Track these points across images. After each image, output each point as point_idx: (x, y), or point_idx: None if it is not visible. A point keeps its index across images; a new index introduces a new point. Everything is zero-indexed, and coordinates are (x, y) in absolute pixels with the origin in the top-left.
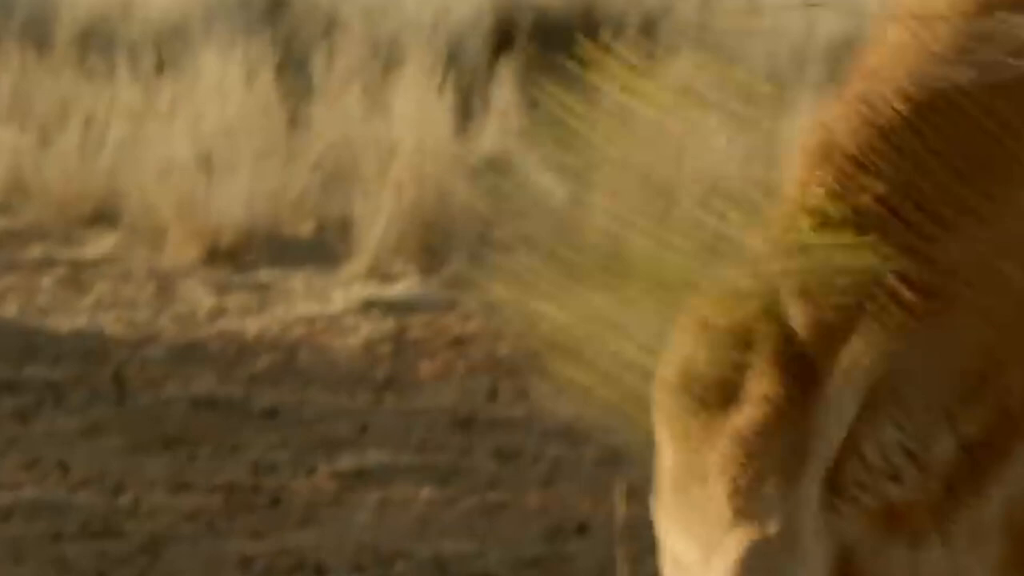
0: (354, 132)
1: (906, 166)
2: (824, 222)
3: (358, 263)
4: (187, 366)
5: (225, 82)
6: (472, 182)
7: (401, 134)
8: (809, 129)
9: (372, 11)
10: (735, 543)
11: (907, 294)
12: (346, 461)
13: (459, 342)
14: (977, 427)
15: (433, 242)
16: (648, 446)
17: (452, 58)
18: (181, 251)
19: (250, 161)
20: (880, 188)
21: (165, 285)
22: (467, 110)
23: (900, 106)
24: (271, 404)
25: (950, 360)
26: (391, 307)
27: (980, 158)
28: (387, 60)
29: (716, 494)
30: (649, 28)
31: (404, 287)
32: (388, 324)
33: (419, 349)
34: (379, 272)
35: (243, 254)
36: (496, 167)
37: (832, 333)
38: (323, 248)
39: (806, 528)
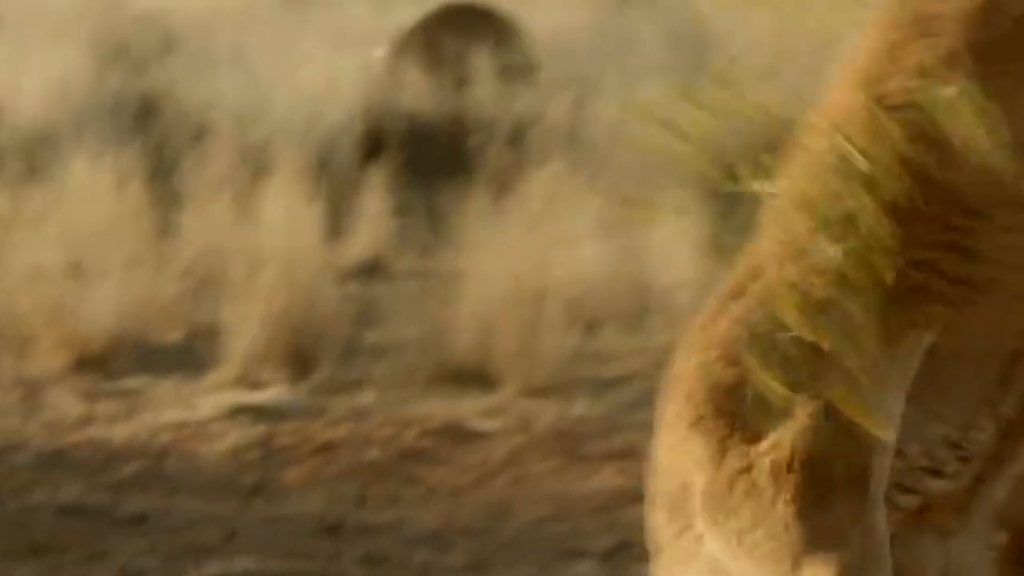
0: (224, 239)
1: (931, 161)
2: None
3: (227, 370)
4: (55, 473)
5: (95, 189)
6: (341, 288)
7: (271, 241)
8: (819, 134)
9: (242, 118)
10: (822, 569)
11: (945, 286)
12: (214, 567)
13: (327, 448)
14: (1013, 408)
15: (302, 348)
16: None
17: (322, 164)
18: (50, 358)
19: (120, 268)
20: (909, 184)
21: (33, 392)
22: (337, 216)
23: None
24: (139, 510)
25: (989, 345)
26: (259, 413)
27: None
28: (257, 167)
29: (778, 516)
30: (519, 134)
31: (272, 393)
32: (256, 430)
33: (287, 455)
34: (248, 379)
35: (112, 361)
36: (366, 273)
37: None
38: (192, 355)
39: (883, 547)
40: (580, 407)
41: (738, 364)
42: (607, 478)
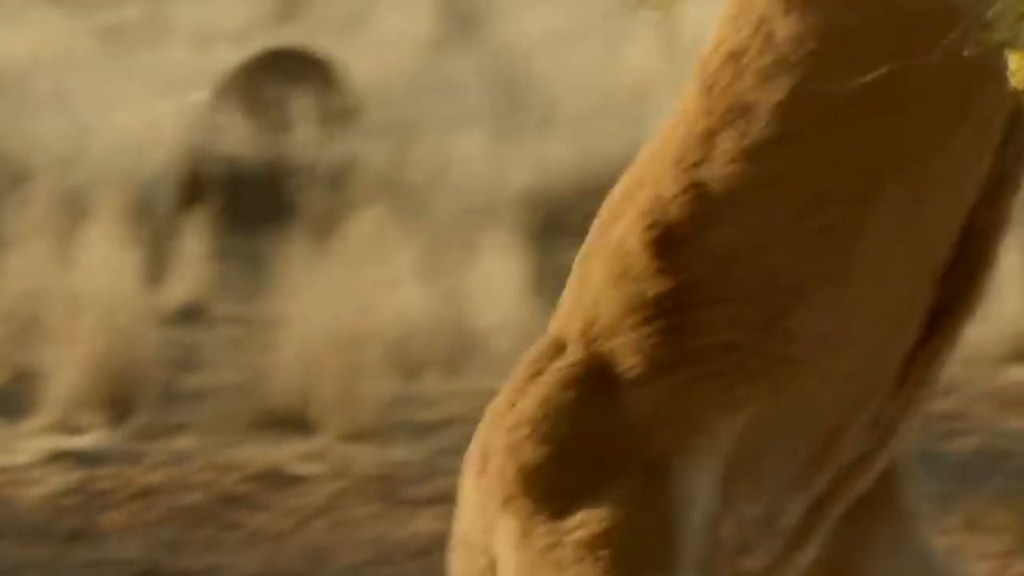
0: (43, 283)
1: (748, 240)
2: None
3: (46, 415)
4: None
5: None
6: (161, 333)
7: (90, 285)
8: (638, 214)
9: (62, 161)
10: None
11: (761, 367)
12: None
13: (146, 493)
14: (827, 484)
15: (121, 393)
16: None
17: (142, 208)
18: None
19: None
20: (726, 263)
21: None
22: (157, 260)
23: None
24: None
25: (804, 425)
26: (79, 458)
27: (823, 225)
28: (77, 210)
29: None
30: (340, 178)
31: (92, 438)
32: (75, 475)
33: (106, 500)
34: (67, 423)
35: None
36: (186, 318)
37: (678, 422)
38: (9, 399)
39: None
40: (400, 451)
41: (547, 443)
42: (426, 523)
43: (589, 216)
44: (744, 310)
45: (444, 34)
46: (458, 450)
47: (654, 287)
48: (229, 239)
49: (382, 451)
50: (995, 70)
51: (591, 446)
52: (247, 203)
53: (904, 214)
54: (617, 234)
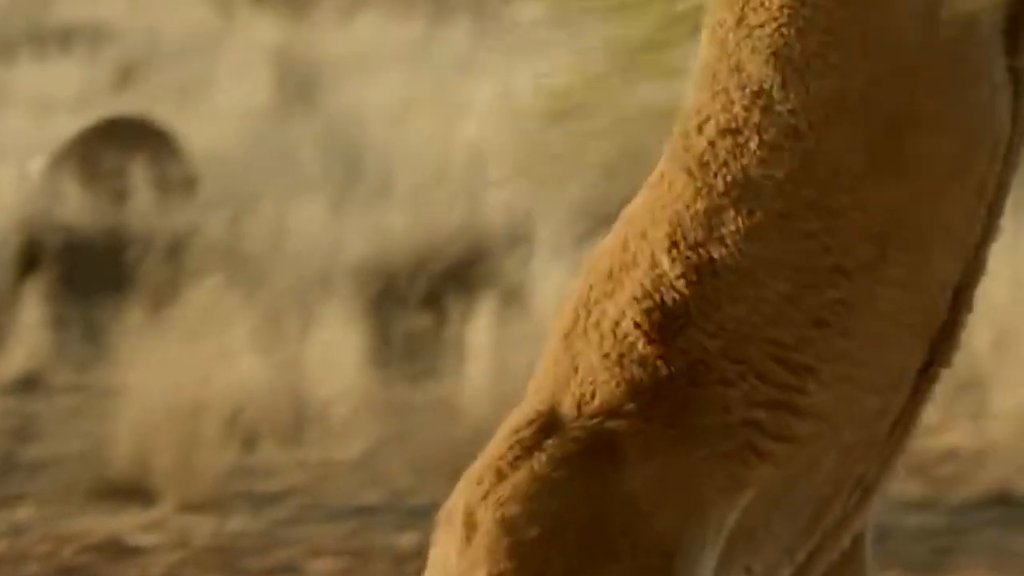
0: None
1: (758, 318)
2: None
3: None
4: None
5: None
6: None
7: None
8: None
9: None
10: None
11: (770, 447)
12: None
13: None
14: (806, 554)
15: None
16: None
17: None
18: None
19: None
20: (736, 343)
21: None
22: None
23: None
24: None
25: (804, 497)
26: None
27: (833, 299)
28: None
29: None
30: (178, 248)
31: None
32: None
33: None
34: None
35: None
36: (23, 388)
37: (682, 503)
38: None
39: None
40: (239, 522)
41: (543, 521)
42: None
43: (426, 285)
44: (754, 390)
45: (282, 104)
46: (297, 520)
47: (659, 370)
48: (67, 308)
49: (221, 521)
50: (991, 132)
51: (589, 526)
52: (85, 272)
53: (908, 281)
54: (610, 315)
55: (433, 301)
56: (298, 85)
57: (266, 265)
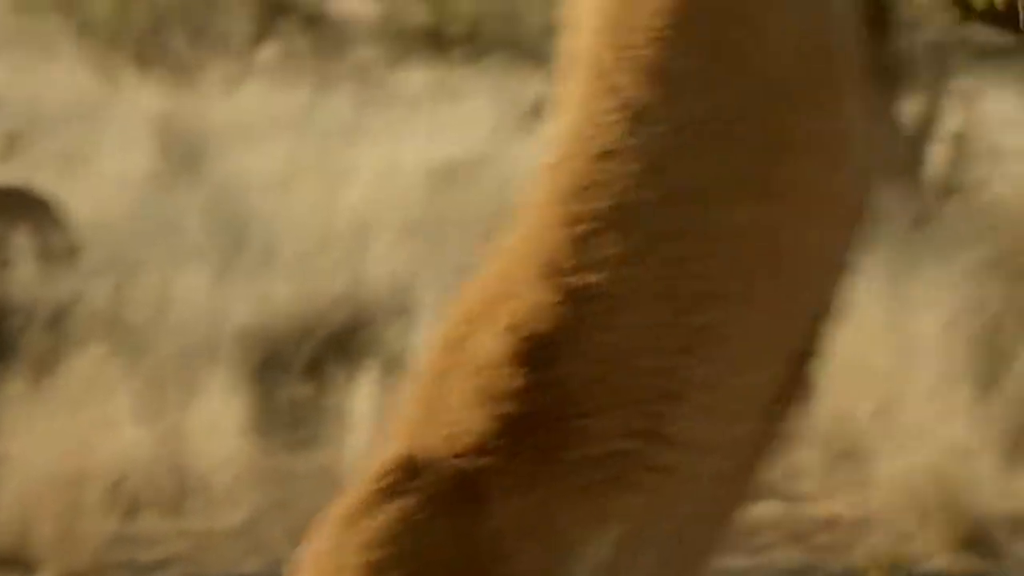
0: None
1: (629, 345)
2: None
3: None
4: None
5: None
6: None
7: None
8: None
9: None
10: None
11: (638, 478)
12: None
13: None
14: None
15: None
16: None
17: None
18: None
19: None
20: (607, 372)
21: None
22: None
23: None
24: None
25: (672, 528)
26: None
27: (702, 325)
28: None
29: None
30: (59, 318)
31: None
32: None
33: None
34: None
35: None
36: None
37: (547, 539)
38: None
39: None
40: None
41: (408, 563)
42: None
43: (309, 353)
44: (624, 419)
45: (166, 172)
46: None
47: (529, 403)
48: None
49: None
50: (853, 157)
51: (455, 567)
52: None
53: (774, 307)
54: (481, 349)
55: (316, 369)
56: (183, 153)
57: (149, 333)
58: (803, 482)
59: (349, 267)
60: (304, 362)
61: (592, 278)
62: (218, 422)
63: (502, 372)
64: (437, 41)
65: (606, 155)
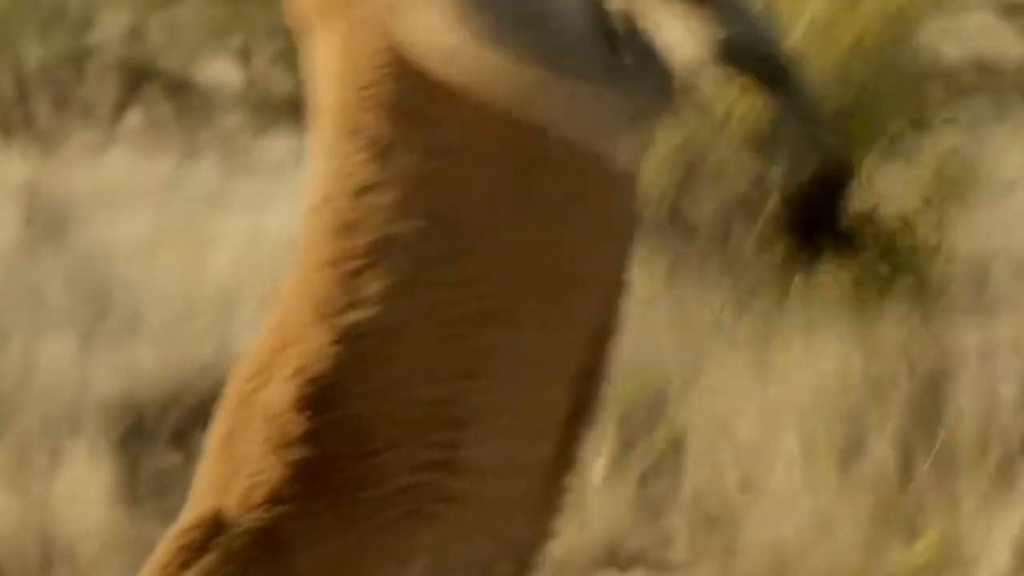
0: None
1: (410, 376)
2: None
3: None
4: None
5: None
6: None
7: None
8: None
9: None
10: None
11: (437, 510)
12: None
13: None
14: None
15: None
16: None
17: None
18: None
19: None
20: (392, 406)
21: None
22: None
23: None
24: None
25: (476, 561)
26: None
27: (478, 348)
28: None
29: None
30: None
31: None
32: None
33: None
34: None
35: None
36: None
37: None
38: None
39: None
40: None
41: None
42: None
43: (176, 421)
44: (415, 452)
45: (30, 240)
46: None
47: (318, 447)
48: None
49: None
50: (610, 170)
51: None
52: None
53: (548, 325)
54: (270, 398)
55: (183, 437)
56: (47, 221)
57: (14, 403)
58: (671, 550)
59: (216, 334)
60: (171, 430)
61: (363, 313)
62: (83, 491)
63: (290, 418)
64: (300, 109)
65: (364, 191)
